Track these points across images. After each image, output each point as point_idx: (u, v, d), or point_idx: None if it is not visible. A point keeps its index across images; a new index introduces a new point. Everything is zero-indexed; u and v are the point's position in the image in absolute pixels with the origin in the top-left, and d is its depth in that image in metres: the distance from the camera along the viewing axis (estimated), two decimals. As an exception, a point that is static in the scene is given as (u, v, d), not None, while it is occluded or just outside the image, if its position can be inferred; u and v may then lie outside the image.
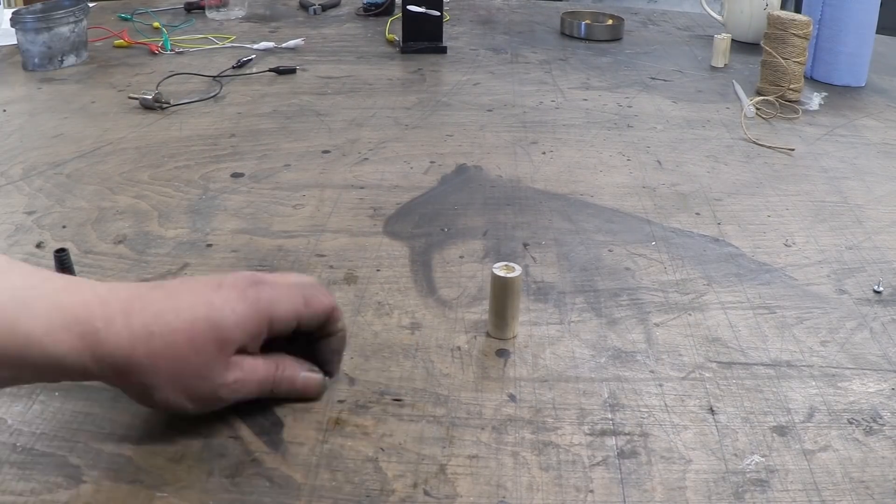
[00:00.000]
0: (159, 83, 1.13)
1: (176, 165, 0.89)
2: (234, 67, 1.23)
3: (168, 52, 1.32)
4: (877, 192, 0.87)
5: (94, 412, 0.51)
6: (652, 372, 0.57)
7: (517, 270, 0.58)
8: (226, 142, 0.96)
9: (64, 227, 0.75)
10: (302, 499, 0.46)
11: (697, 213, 0.81)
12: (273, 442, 0.50)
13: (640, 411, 0.53)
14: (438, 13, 1.34)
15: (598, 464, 0.49)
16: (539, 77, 1.24)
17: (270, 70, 1.22)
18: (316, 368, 0.53)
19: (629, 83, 1.22)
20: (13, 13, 1.20)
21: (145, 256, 0.70)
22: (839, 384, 0.57)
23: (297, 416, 0.52)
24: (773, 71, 1.15)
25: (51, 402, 0.52)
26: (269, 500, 0.45)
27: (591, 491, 0.47)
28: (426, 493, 0.46)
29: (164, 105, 1.06)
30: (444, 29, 1.37)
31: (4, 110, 1.05)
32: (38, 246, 0.71)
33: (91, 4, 1.51)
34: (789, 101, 1.13)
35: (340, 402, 0.53)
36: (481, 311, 0.63)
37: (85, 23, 1.25)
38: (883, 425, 0.53)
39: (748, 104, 1.10)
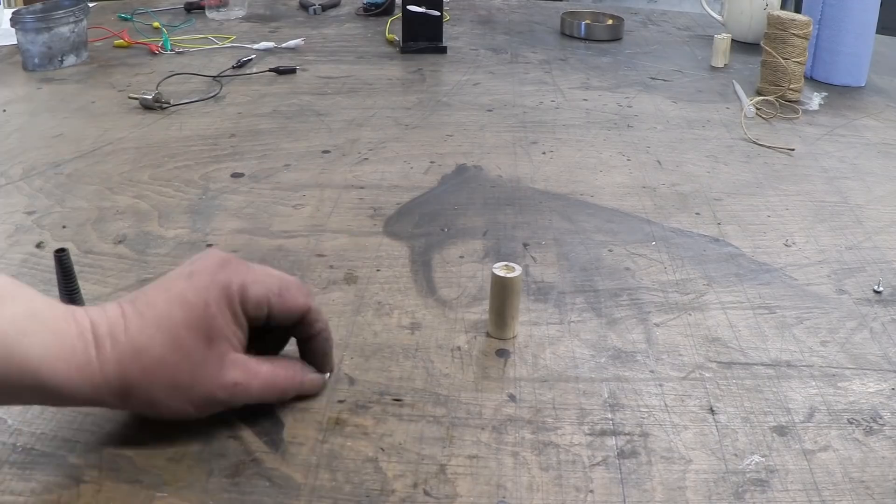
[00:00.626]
0: (159, 83, 1.13)
1: (176, 165, 0.89)
2: (234, 67, 1.23)
3: (168, 52, 1.32)
4: (877, 192, 0.87)
5: (94, 412, 0.51)
6: (652, 372, 0.57)
7: (517, 270, 0.58)
8: (226, 142, 0.96)
9: (64, 227, 0.75)
10: (302, 499, 0.46)
11: (697, 213, 0.81)
12: (273, 442, 0.50)
13: (640, 411, 0.53)
14: (438, 13, 1.34)
15: (598, 464, 0.49)
16: (539, 77, 1.24)
17: (270, 70, 1.22)
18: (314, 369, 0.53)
19: (629, 83, 1.22)
20: (13, 13, 1.20)
21: (145, 256, 0.70)
22: (839, 384, 0.57)
23: (297, 416, 0.52)
24: (773, 71, 1.15)
25: (51, 402, 0.52)
26: (269, 500, 0.45)
27: (591, 491, 0.47)
28: (426, 493, 0.46)
29: (164, 105, 1.06)
30: (444, 29, 1.37)
31: (4, 110, 1.05)
32: (38, 246, 0.71)
33: (91, 4, 1.51)
34: (789, 101, 1.13)
35: (340, 402, 0.53)
36: (481, 311, 0.63)
37: (85, 23, 1.26)
38: (883, 425, 0.53)
39: (748, 104, 1.10)
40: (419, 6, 1.33)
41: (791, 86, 1.13)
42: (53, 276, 0.60)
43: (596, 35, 1.49)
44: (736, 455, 0.50)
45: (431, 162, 0.92)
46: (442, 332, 0.61)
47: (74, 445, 0.49)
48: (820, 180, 0.90)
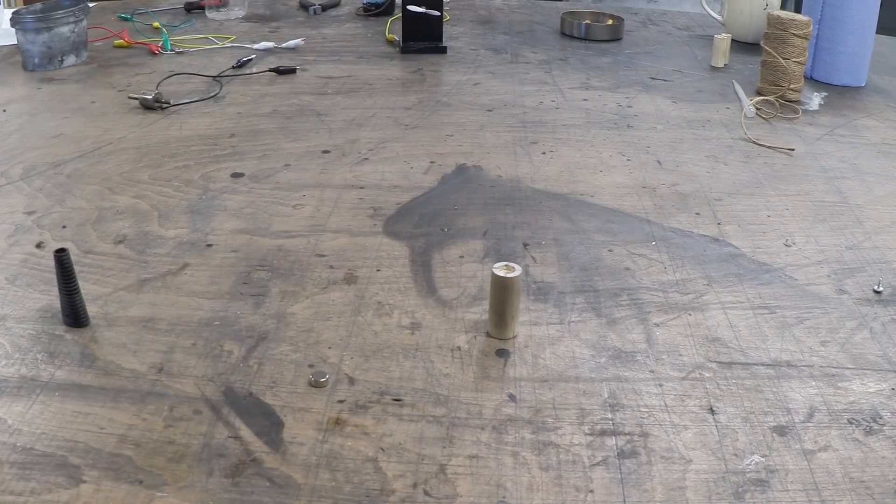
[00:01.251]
0: (159, 83, 1.13)
1: (176, 165, 0.89)
2: (234, 67, 1.23)
3: (168, 52, 1.32)
4: (877, 192, 0.87)
5: (94, 412, 0.51)
6: (652, 372, 0.57)
7: (517, 270, 0.58)
8: (226, 142, 0.96)
9: (64, 227, 0.75)
10: (302, 499, 0.46)
11: (697, 213, 0.81)
12: (273, 442, 0.50)
13: (640, 411, 0.53)
14: (438, 13, 1.34)
15: (598, 464, 0.49)
16: (539, 77, 1.24)
17: (270, 70, 1.22)
18: None
19: (629, 83, 1.22)
20: (13, 13, 1.20)
21: (145, 256, 0.70)
22: (839, 384, 0.57)
23: (297, 416, 0.52)
24: (773, 71, 1.15)
25: (51, 402, 0.52)
26: (269, 500, 0.45)
27: (591, 491, 0.47)
28: (426, 493, 0.46)
29: (164, 105, 1.06)
30: (444, 29, 1.37)
31: (4, 110, 1.05)
32: (38, 246, 0.71)
33: (91, 4, 1.50)
34: (789, 101, 1.13)
35: (340, 402, 0.53)
36: (481, 311, 0.63)
37: (85, 23, 1.25)
38: (883, 425, 0.53)
39: (748, 104, 1.09)
40: (419, 6, 1.33)
41: (791, 86, 1.13)
42: (53, 276, 0.60)
43: (596, 35, 1.49)
44: (736, 455, 0.50)
45: (431, 162, 0.92)
46: (442, 332, 0.61)
47: (74, 445, 0.49)
48: (820, 180, 0.90)
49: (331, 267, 0.69)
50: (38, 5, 1.24)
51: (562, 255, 0.72)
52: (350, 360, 0.57)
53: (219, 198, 0.81)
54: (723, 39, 1.31)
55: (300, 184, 0.85)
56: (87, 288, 0.63)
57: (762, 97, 1.13)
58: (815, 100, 1.12)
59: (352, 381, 0.55)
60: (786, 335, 0.62)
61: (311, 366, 0.57)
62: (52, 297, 0.63)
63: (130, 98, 1.07)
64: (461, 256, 0.72)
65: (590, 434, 0.51)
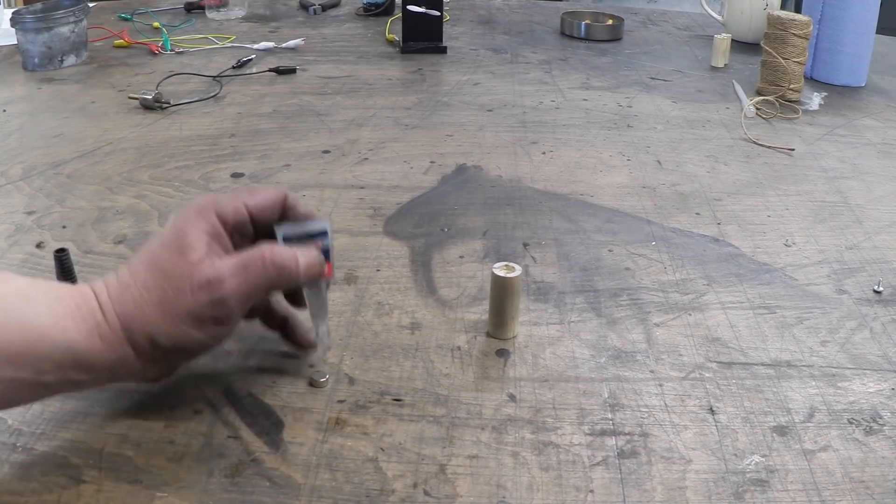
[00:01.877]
0: (159, 83, 1.13)
1: (176, 165, 0.89)
2: (234, 67, 1.23)
3: (168, 52, 1.32)
4: (877, 192, 0.87)
5: (94, 412, 0.51)
6: (652, 372, 0.57)
7: (517, 270, 0.58)
8: (226, 142, 0.96)
9: (64, 227, 0.75)
10: (302, 499, 0.46)
11: (697, 213, 0.81)
12: (273, 442, 0.50)
13: (640, 411, 0.53)
14: (438, 13, 1.34)
15: (598, 464, 0.49)
16: (539, 77, 1.24)
17: (270, 70, 1.22)
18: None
19: (629, 83, 1.22)
20: (13, 13, 1.20)
21: (145, 256, 0.70)
22: (839, 384, 0.57)
23: (297, 416, 0.52)
24: (773, 71, 1.15)
25: (51, 402, 0.52)
26: (269, 500, 0.45)
27: (591, 491, 0.47)
28: (426, 493, 0.46)
29: (164, 105, 1.06)
30: (444, 29, 1.37)
31: (4, 110, 1.05)
32: (38, 246, 0.71)
33: (91, 4, 1.51)
34: (789, 101, 1.13)
35: (340, 402, 0.53)
36: (481, 311, 0.63)
37: (85, 23, 1.25)
38: (883, 425, 0.53)
39: (748, 104, 1.10)
40: (419, 6, 1.33)
41: (791, 86, 1.13)
42: (53, 276, 0.60)
43: (596, 35, 1.49)
44: (736, 455, 0.50)
45: (431, 162, 0.92)
46: (442, 332, 0.61)
47: (74, 445, 0.49)
48: (820, 180, 0.90)
49: (331, 267, 0.69)
50: (38, 5, 1.24)
51: (562, 255, 0.72)
52: (350, 360, 0.57)
53: (219, 198, 0.81)
54: (723, 39, 1.31)
55: (300, 184, 0.85)
56: (87, 288, 0.63)
57: (762, 97, 1.13)
58: (815, 100, 1.12)
59: (352, 381, 0.55)
60: (786, 335, 0.62)
61: (311, 366, 0.57)
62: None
63: (130, 98, 1.07)
64: (461, 256, 0.72)
65: (590, 434, 0.51)
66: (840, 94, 1.19)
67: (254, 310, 0.55)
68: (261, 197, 0.52)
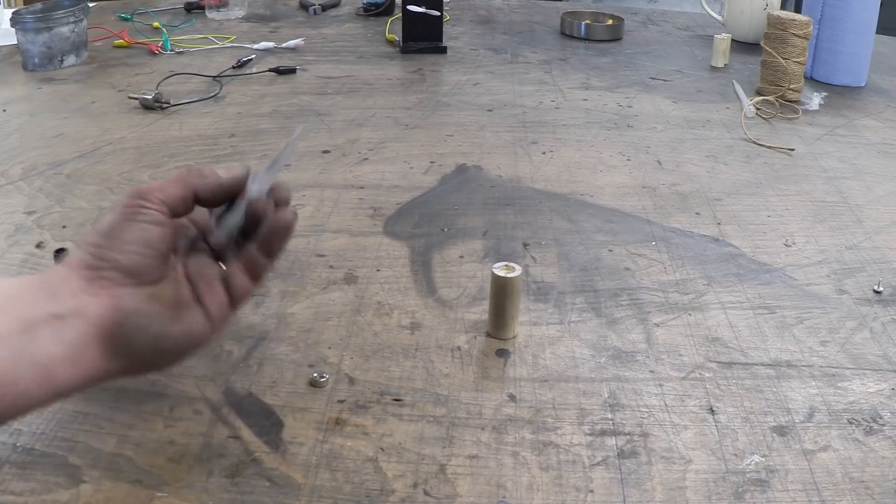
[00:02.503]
0: (159, 83, 1.13)
1: (176, 165, 0.89)
2: (234, 67, 1.23)
3: (168, 52, 1.32)
4: (877, 192, 0.87)
5: (94, 412, 0.51)
6: (652, 372, 0.57)
7: (517, 270, 0.58)
8: (226, 142, 0.96)
9: (64, 227, 0.75)
10: (302, 499, 0.46)
11: (697, 213, 0.81)
12: (273, 442, 0.50)
13: (640, 411, 0.53)
14: (438, 13, 1.34)
15: (598, 464, 0.49)
16: (539, 77, 1.24)
17: (270, 70, 1.22)
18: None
19: (629, 83, 1.22)
20: (13, 13, 1.20)
21: (145, 256, 0.70)
22: (839, 384, 0.57)
23: (297, 416, 0.52)
24: (773, 71, 1.15)
25: (51, 402, 0.52)
26: (269, 500, 0.45)
27: (591, 491, 0.47)
28: (426, 493, 0.46)
29: (164, 105, 1.06)
30: (444, 29, 1.37)
31: (4, 110, 1.05)
32: (38, 246, 0.71)
33: (91, 4, 1.50)
34: (789, 101, 1.13)
35: (340, 402, 0.53)
36: (481, 311, 0.63)
37: (85, 23, 1.25)
38: (883, 425, 0.53)
39: (748, 104, 1.09)
40: (419, 6, 1.33)
41: (791, 86, 1.13)
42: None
43: (596, 35, 1.49)
44: (736, 455, 0.50)
45: (431, 162, 0.92)
46: (442, 332, 0.61)
47: (74, 445, 0.49)
48: (820, 180, 0.90)
49: (331, 267, 0.69)
50: (38, 5, 1.24)
51: (562, 255, 0.72)
52: (350, 360, 0.57)
53: (219, 198, 0.81)
54: (723, 39, 1.31)
55: (300, 184, 0.85)
56: (87, 288, 0.63)
57: (762, 97, 1.13)
58: (815, 100, 1.12)
59: (352, 381, 0.55)
60: (786, 335, 0.62)
61: (311, 366, 0.57)
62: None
63: (130, 98, 1.07)
64: (461, 256, 0.72)
65: (590, 434, 0.51)
66: (840, 94, 1.19)
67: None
68: (201, 173, 0.46)
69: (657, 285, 0.68)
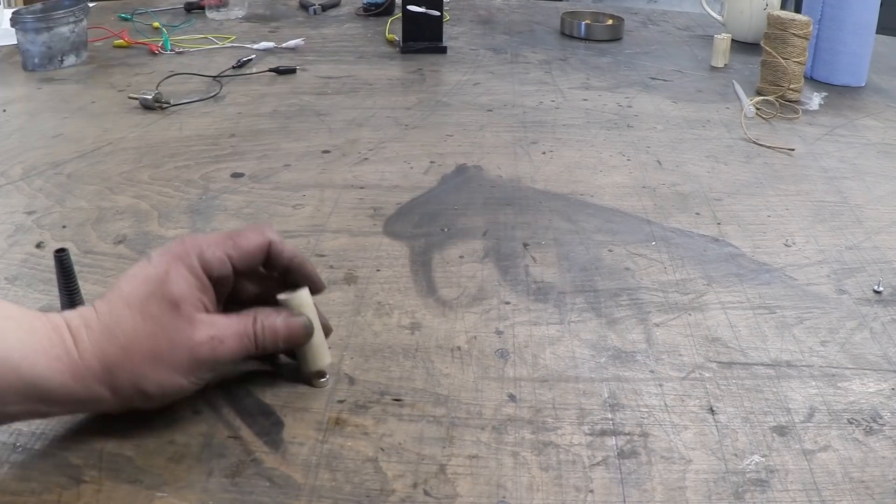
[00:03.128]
0: (159, 83, 1.13)
1: (176, 165, 0.89)
2: (234, 67, 1.23)
3: (168, 52, 1.32)
4: (877, 192, 0.87)
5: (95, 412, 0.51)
6: (652, 372, 0.57)
7: (300, 289, 0.53)
8: (226, 142, 0.96)
9: (64, 227, 0.75)
10: (302, 499, 0.46)
11: (697, 213, 0.81)
12: (273, 442, 0.50)
13: (640, 411, 0.53)
14: (438, 13, 1.34)
15: (598, 464, 0.49)
16: (539, 77, 1.24)
17: (270, 70, 1.22)
18: (296, 312, 0.52)
19: (629, 83, 1.22)
20: (13, 13, 1.20)
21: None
22: (839, 384, 0.57)
23: (297, 416, 0.52)
24: (773, 71, 1.15)
25: (51, 402, 0.52)
26: (269, 500, 0.45)
27: (591, 491, 0.47)
28: (426, 493, 0.46)
29: (164, 105, 1.06)
30: (444, 29, 1.37)
31: (4, 110, 1.05)
32: (38, 246, 0.71)
33: (91, 4, 1.51)
34: (789, 101, 1.13)
35: (340, 402, 0.53)
36: (481, 311, 0.63)
37: (85, 23, 1.26)
38: (883, 425, 0.53)
39: (748, 104, 1.10)
40: (419, 6, 1.33)
41: (791, 86, 1.13)
42: (53, 276, 0.59)
43: (596, 35, 1.49)
44: (736, 455, 0.50)
45: (431, 162, 0.92)
46: (442, 332, 0.61)
47: (74, 445, 0.49)
48: (820, 180, 0.90)
49: (331, 267, 0.69)
50: (38, 5, 1.24)
51: (562, 255, 0.72)
52: (350, 360, 0.57)
53: (219, 198, 0.81)
54: (723, 39, 1.31)
55: (300, 184, 0.85)
56: (87, 288, 0.63)
57: (762, 97, 1.13)
58: (815, 100, 1.12)
59: (352, 381, 0.55)
60: (786, 335, 0.62)
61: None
62: (52, 298, 0.63)
63: (130, 98, 1.07)
64: (461, 256, 0.72)
65: (590, 434, 0.51)
66: (840, 94, 1.19)
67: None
68: (245, 246, 0.51)
69: (657, 285, 0.68)
